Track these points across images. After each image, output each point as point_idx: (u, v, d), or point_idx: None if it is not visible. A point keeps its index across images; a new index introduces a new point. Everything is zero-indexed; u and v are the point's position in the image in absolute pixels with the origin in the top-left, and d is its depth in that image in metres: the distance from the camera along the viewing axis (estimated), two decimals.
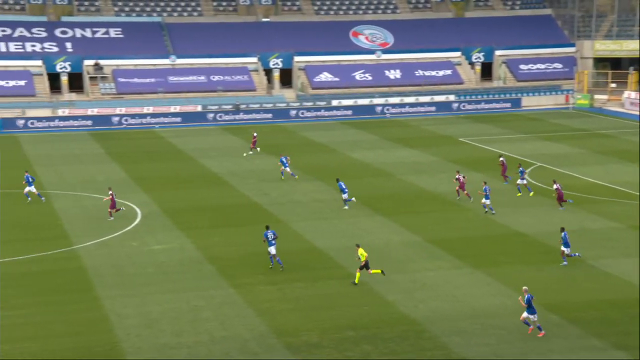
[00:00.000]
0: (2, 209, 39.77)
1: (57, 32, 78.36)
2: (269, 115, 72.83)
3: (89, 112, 70.09)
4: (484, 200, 38.85)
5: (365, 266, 28.99)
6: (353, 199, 40.46)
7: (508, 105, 77.98)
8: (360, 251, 29.17)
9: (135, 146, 59.45)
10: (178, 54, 78.79)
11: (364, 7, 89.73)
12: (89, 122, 68.20)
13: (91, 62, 74.88)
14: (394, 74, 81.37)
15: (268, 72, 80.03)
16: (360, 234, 35.86)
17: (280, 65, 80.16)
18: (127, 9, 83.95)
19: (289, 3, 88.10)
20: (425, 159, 53.44)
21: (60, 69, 74.34)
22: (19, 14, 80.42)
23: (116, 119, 69.20)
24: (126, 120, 69.32)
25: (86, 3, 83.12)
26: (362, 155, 55.09)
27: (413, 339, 24.57)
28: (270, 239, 30.58)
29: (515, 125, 67.63)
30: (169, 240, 34.60)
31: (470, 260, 31.69)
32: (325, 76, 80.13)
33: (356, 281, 28.96)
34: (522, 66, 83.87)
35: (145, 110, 71.49)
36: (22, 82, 72.18)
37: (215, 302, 27.36)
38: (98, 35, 79.46)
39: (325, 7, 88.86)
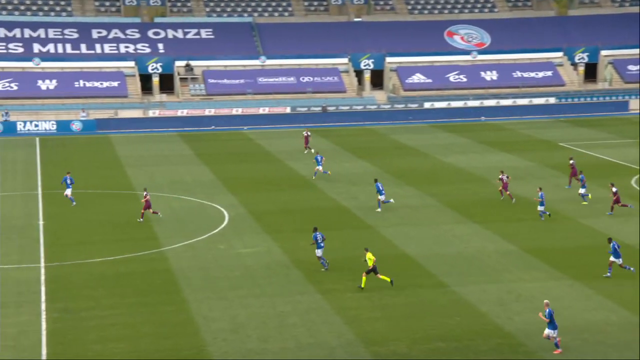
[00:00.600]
0: (96, 209, 41.23)
1: (150, 34, 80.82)
2: (359, 118, 72.83)
3: (179, 113, 71.92)
4: (539, 207, 38.21)
5: (373, 270, 28.89)
6: (392, 200, 40.57)
7: (613, 108, 75.30)
8: (369, 255, 29.09)
9: (224, 148, 60.57)
10: (268, 54, 79.89)
11: (460, 6, 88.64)
12: (179, 124, 69.93)
13: (182, 63, 76.86)
14: (490, 76, 79.99)
15: (359, 73, 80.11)
16: (452, 240, 35.38)
17: (372, 66, 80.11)
18: (218, 9, 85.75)
19: (381, 2, 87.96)
20: (521, 164, 52.26)
21: (152, 70, 76.60)
22: (114, 15, 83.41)
23: (205, 120, 70.70)
24: (215, 121, 70.69)
25: (179, 4, 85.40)
26: (455, 159, 54.37)
27: (508, 353, 24.00)
28: (319, 241, 31.09)
29: (621, 129, 65.26)
30: (256, 244, 35.04)
31: (570, 272, 30.74)
32: (417, 77, 79.57)
33: (362, 285, 28.88)
34: (630, 67, 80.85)
35: (234, 111, 72.80)
36: (115, 83, 74.78)
37: (302, 307, 27.50)
38: (189, 36, 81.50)
39: (419, 7, 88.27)
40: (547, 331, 23.76)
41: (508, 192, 41.69)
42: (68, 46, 78.05)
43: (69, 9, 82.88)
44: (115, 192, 45.00)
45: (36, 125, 67.17)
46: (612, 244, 30.10)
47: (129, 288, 29.44)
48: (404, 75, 79.55)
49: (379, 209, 40.23)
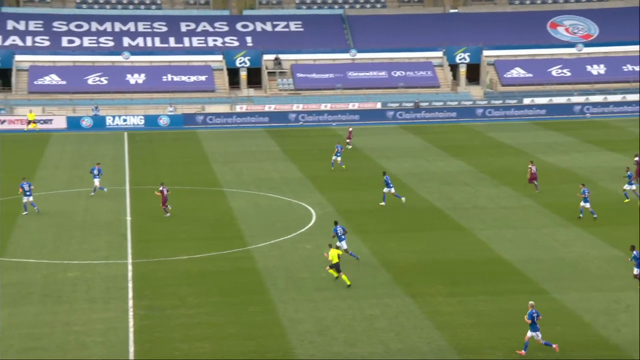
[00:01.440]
0: (182, 206, 42.20)
1: (239, 26, 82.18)
2: (453, 114, 72.09)
3: (266, 108, 72.86)
4: (582, 203, 38.02)
5: (336, 267, 29.35)
6: (403, 198, 40.98)
7: None
8: (332, 252, 29.64)
9: (312, 144, 60.97)
10: (359, 48, 79.97)
11: None
12: (266, 119, 70.87)
13: (270, 56, 77.81)
14: (597, 70, 77.76)
15: (454, 67, 79.29)
16: (553, 245, 34.59)
17: (467, 60, 79.13)
18: (308, 1, 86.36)
19: None
20: (631, 164, 50.49)
21: (240, 63, 77.88)
22: (203, 8, 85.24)
23: (293, 115, 71.39)
24: (303, 117, 71.32)
25: None
26: (556, 159, 53.15)
27: None
28: (340, 234, 31.79)
29: None
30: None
31: None
32: (516, 72, 78.13)
33: (335, 275, 29.77)
34: None
35: (322, 107, 73.20)
36: (202, 78, 76.43)
37: (391, 311, 27.43)
38: (278, 28, 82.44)
39: None
40: (529, 333, 23.85)
41: (535, 183, 42.93)
42: (157, 40, 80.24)
43: (158, 1, 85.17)
44: (201, 189, 45.99)
45: (124, 120, 69.36)
46: (634, 252, 29.07)
47: (214, 287, 30.02)
48: (502, 70, 78.21)
49: (383, 203, 40.92)
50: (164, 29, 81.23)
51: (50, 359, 24.09)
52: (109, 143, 61.85)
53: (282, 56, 78.05)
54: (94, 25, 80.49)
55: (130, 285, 30.12)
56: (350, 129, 59.14)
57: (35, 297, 28.89)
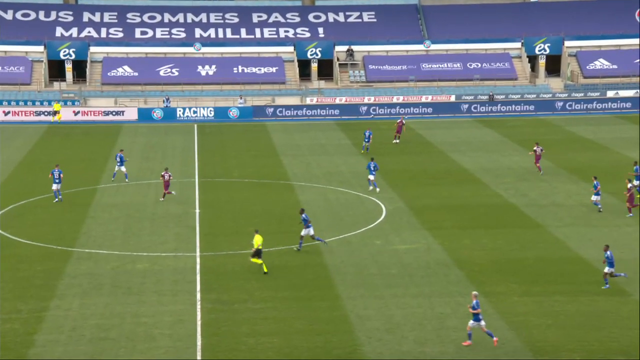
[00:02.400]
0: (250, 199, 42.63)
1: (311, 17, 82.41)
2: (531, 107, 70.86)
3: (337, 100, 72.89)
4: (593, 197, 38.07)
5: (257, 254, 30.27)
6: (377, 189, 42.05)
7: None
8: (256, 238, 30.48)
9: (383, 138, 60.69)
10: (433, 39, 79.27)
11: None
12: (337, 111, 70.92)
13: (342, 48, 77.76)
14: None
15: (532, 58, 77.87)
16: (635, 245, 33.63)
17: (547, 51, 77.64)
18: None
19: None
20: None
21: (311, 55, 78.09)
22: None
23: (364, 108, 71.24)
24: (374, 110, 71.09)
25: None
26: None
27: None
28: (307, 221, 32.96)
29: None
30: (415, 240, 34.93)
31: None
32: (600, 63, 76.25)
33: (265, 270, 30.35)
34: None
35: (394, 99, 72.85)
36: (273, 69, 76.94)
37: (462, 310, 27.12)
38: (351, 19, 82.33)
39: None
40: (471, 323, 24.53)
41: (538, 165, 44.45)
42: (228, 31, 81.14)
43: None
44: (270, 182, 46.32)
45: (194, 112, 70.41)
46: (607, 252, 28.53)
47: (282, 281, 30.20)
48: (584, 61, 76.47)
49: (377, 189, 42.15)
50: (236, 20, 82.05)
51: (119, 349, 24.62)
52: (178, 135, 62.86)
53: (354, 47, 77.94)
54: (167, 17, 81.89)
55: (198, 278, 30.54)
56: (402, 121, 58.20)
57: (106, 288, 29.57)
